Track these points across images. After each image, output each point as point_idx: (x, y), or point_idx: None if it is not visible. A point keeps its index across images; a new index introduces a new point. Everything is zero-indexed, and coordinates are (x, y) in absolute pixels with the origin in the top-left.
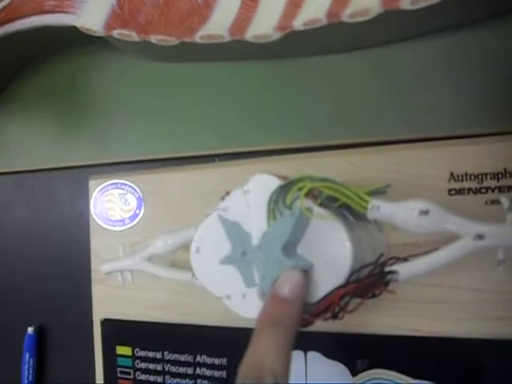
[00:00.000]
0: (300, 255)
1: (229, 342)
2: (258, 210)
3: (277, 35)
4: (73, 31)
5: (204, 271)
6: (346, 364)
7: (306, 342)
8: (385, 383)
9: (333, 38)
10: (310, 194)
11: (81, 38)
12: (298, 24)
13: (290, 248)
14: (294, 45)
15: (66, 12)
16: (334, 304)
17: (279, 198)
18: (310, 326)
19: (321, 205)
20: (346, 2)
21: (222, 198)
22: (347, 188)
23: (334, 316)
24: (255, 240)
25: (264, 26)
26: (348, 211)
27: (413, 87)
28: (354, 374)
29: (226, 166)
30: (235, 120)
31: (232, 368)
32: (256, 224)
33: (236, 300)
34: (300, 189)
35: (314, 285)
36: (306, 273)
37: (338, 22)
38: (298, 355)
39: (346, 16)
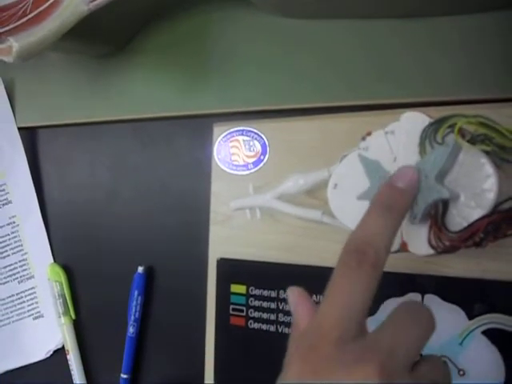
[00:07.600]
0: (447, 186)
1: None
2: (408, 143)
3: None
4: None
5: (341, 206)
6: (462, 307)
7: (424, 285)
8: (501, 327)
9: None
10: (461, 131)
11: None
12: None
13: (441, 177)
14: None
15: None
16: (478, 232)
17: (431, 134)
18: (456, 251)
19: (469, 141)
20: None
21: (363, 138)
22: (500, 125)
23: (478, 244)
24: None
25: None
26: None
27: None
28: (470, 317)
29: (355, 117)
30: (364, 73)
31: None
32: (403, 156)
33: None
34: (451, 126)
35: (459, 214)
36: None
37: None
38: (415, 298)
39: None
